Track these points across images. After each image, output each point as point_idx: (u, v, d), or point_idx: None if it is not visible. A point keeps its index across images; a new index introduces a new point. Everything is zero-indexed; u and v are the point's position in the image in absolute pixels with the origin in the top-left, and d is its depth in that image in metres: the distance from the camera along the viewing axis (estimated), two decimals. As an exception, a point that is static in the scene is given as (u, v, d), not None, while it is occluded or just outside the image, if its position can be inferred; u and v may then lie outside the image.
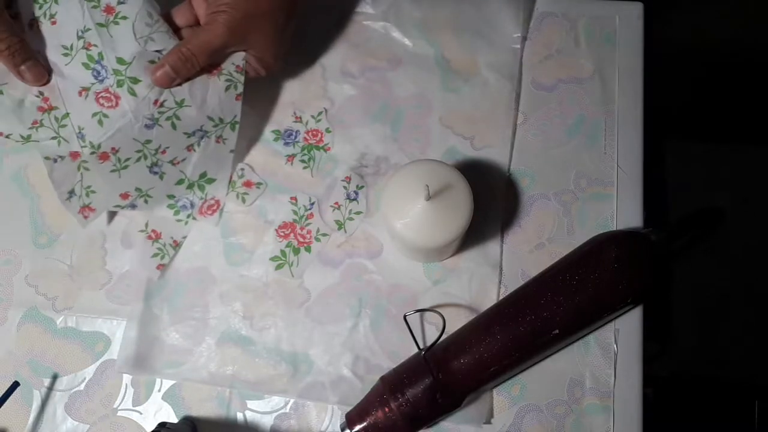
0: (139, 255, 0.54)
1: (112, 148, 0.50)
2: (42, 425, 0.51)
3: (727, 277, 0.78)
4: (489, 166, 0.55)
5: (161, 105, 0.49)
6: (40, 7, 0.50)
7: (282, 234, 0.54)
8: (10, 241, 0.56)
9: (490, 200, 0.53)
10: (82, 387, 0.52)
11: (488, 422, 0.50)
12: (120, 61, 0.49)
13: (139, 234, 0.54)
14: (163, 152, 0.51)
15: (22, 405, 0.52)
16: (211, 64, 0.50)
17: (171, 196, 0.54)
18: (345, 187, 0.55)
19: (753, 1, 0.93)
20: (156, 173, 0.52)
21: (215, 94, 0.51)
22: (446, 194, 0.45)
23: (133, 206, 0.53)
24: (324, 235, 0.54)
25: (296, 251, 0.54)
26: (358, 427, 0.45)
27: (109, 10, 0.49)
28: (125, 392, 0.52)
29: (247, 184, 0.55)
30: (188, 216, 0.54)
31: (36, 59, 0.50)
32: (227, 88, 0.51)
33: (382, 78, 0.58)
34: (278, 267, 0.53)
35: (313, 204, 0.55)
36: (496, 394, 0.50)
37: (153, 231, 0.54)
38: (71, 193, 0.52)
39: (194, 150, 0.53)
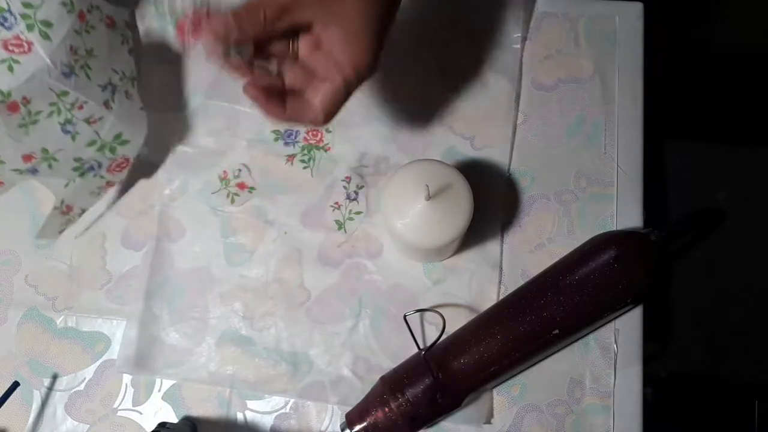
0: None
1: (24, 98, 0.46)
2: (42, 425, 0.51)
3: (727, 277, 0.78)
4: (489, 166, 0.55)
5: (75, 52, 0.47)
6: None
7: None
8: (10, 241, 0.56)
9: (490, 200, 0.53)
10: (82, 387, 0.52)
11: (488, 422, 0.50)
12: (26, 4, 0.45)
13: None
14: (80, 107, 0.48)
15: (22, 405, 0.52)
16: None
17: (78, 159, 0.49)
18: (345, 187, 0.55)
19: (753, 2, 0.93)
20: (68, 132, 0.48)
21: (114, 46, 0.51)
22: (446, 194, 0.45)
23: (34, 171, 0.48)
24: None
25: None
26: (358, 427, 0.45)
27: None
28: (125, 392, 0.52)
29: (241, 185, 0.55)
30: (95, 176, 0.50)
31: None
32: (122, 42, 0.52)
33: (381, 77, 0.58)
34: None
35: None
36: (496, 394, 0.50)
37: (66, 206, 0.52)
38: None
39: (112, 107, 0.50)
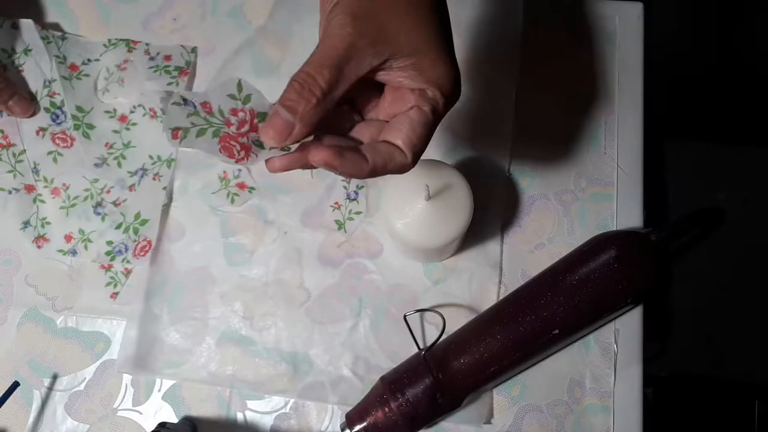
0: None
1: (64, 184, 0.56)
2: (42, 425, 0.51)
3: (727, 277, 0.78)
4: (489, 166, 0.55)
5: (111, 147, 0.56)
6: (9, 56, 0.57)
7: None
8: (10, 241, 0.55)
9: (490, 200, 0.53)
10: (82, 387, 0.52)
11: (488, 422, 0.50)
12: (79, 109, 0.56)
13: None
14: (108, 191, 0.55)
15: (22, 405, 0.52)
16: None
17: (109, 242, 0.54)
18: (345, 187, 0.55)
19: (753, 2, 0.93)
20: (99, 214, 0.55)
21: (154, 134, 0.56)
22: (446, 194, 0.45)
23: (73, 252, 0.54)
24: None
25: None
26: (358, 427, 0.45)
27: (73, 67, 0.57)
28: (125, 392, 0.52)
29: (241, 185, 0.56)
30: (123, 260, 0.54)
31: (21, 94, 0.56)
32: (165, 130, 0.54)
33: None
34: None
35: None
36: (496, 394, 0.50)
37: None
38: (26, 223, 0.55)
39: (135, 189, 0.55)
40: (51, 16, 0.61)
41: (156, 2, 0.61)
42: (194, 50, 0.59)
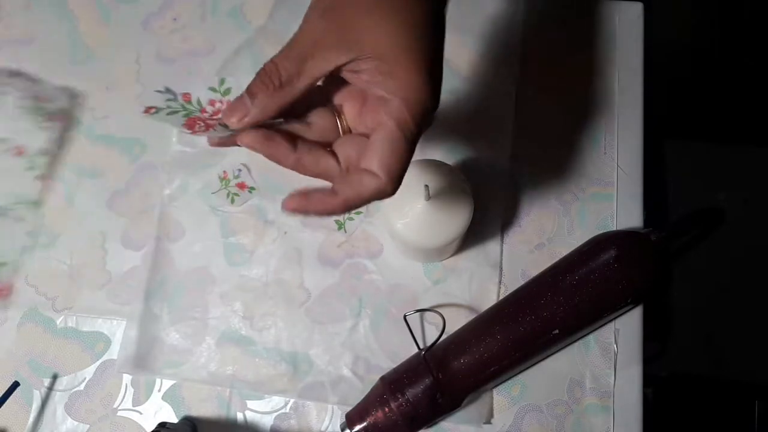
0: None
1: None
2: (42, 425, 0.51)
3: (727, 277, 0.78)
4: (489, 166, 0.55)
5: None
6: None
7: None
8: (10, 241, 0.56)
9: (490, 200, 0.53)
10: (82, 387, 0.52)
11: (488, 422, 0.50)
12: None
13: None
14: None
15: (22, 405, 0.52)
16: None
17: None
18: (345, 187, 0.55)
19: (753, 2, 0.93)
20: None
21: (16, 173, 0.55)
22: (446, 194, 0.45)
23: None
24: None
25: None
26: (358, 427, 0.45)
27: None
28: (125, 392, 0.52)
29: (241, 185, 0.56)
30: None
31: None
32: (28, 168, 0.54)
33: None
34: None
35: None
36: (496, 394, 0.50)
37: None
38: None
39: None
40: (51, 17, 0.61)
41: (156, 2, 0.61)
42: (77, 95, 0.57)
